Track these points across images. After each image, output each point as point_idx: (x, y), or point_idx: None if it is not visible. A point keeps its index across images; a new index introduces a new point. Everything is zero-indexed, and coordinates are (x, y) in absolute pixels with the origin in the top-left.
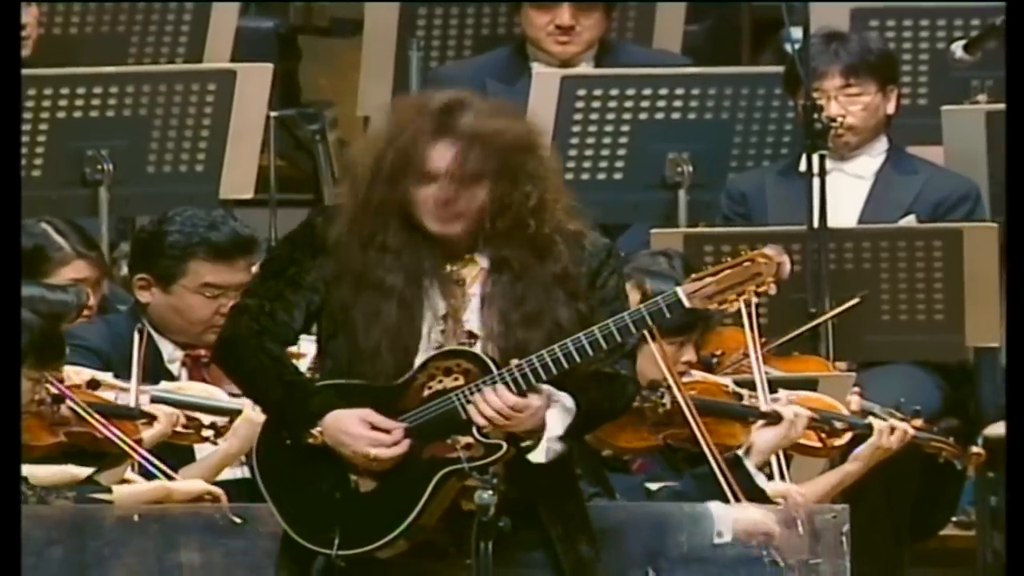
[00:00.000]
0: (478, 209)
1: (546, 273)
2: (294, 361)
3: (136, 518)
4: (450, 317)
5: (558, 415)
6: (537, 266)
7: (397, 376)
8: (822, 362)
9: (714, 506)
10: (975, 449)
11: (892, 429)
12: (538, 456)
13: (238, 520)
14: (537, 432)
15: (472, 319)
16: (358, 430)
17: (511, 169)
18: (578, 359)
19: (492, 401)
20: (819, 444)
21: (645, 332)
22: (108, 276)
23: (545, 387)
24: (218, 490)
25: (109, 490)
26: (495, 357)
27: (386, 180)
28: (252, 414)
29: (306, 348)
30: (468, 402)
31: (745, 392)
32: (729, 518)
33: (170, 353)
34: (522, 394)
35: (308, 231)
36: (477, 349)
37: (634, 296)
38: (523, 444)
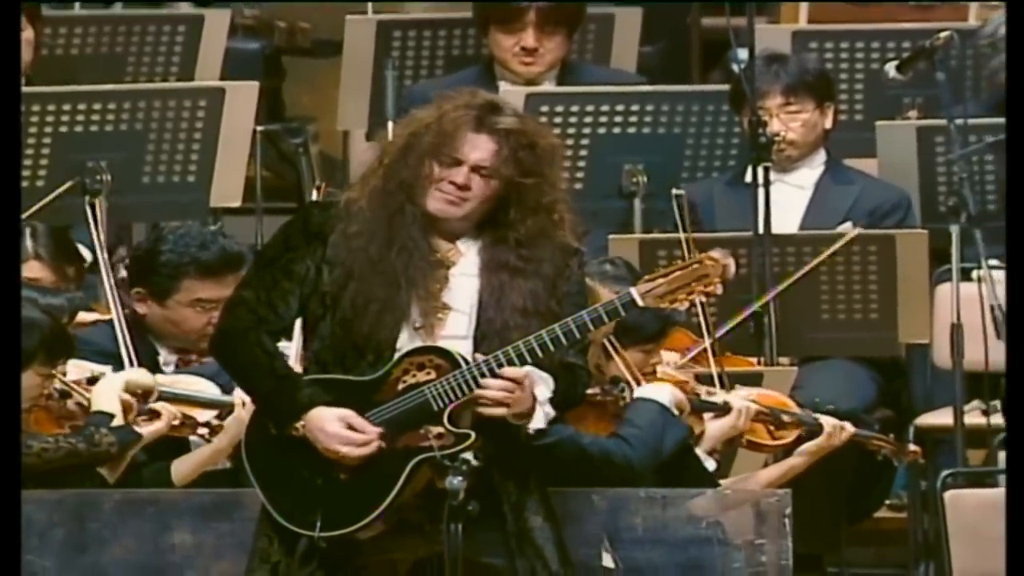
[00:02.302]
0: (482, 201)
1: (542, 272)
2: None
3: (133, 502)
4: (431, 295)
5: (543, 386)
6: (536, 264)
7: (380, 352)
8: (751, 363)
9: (646, 389)
10: (912, 448)
11: (840, 428)
12: (537, 422)
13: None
14: (530, 412)
15: (448, 296)
16: (334, 428)
17: (537, 173)
18: (540, 355)
19: (495, 383)
20: (768, 441)
21: (610, 347)
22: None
23: (526, 367)
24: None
25: (113, 416)
26: (473, 335)
27: (417, 157)
28: (243, 413)
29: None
30: (439, 394)
31: (703, 389)
32: (673, 398)
33: (165, 356)
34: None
35: (304, 219)
36: (447, 344)
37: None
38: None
